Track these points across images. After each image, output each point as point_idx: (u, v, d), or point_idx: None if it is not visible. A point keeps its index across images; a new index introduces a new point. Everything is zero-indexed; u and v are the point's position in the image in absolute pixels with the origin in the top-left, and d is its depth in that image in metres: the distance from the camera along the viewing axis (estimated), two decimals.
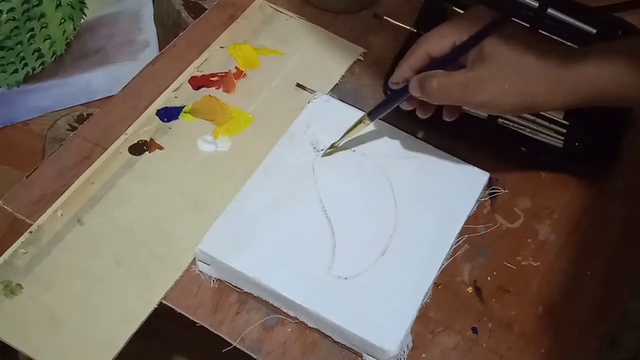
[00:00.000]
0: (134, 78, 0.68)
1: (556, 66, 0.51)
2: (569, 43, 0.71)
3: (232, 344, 0.53)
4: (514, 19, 0.69)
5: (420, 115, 0.58)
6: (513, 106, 0.53)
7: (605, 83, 0.51)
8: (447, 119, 0.57)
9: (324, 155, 0.61)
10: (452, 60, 0.54)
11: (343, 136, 0.61)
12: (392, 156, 0.62)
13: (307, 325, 0.55)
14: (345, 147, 0.62)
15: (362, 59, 0.72)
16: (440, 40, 0.54)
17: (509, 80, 0.51)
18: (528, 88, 0.52)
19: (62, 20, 1.28)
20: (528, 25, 0.70)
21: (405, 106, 0.58)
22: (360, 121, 0.60)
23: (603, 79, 0.51)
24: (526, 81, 0.51)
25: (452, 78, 0.53)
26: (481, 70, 0.52)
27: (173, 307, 0.55)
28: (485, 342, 0.55)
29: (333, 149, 0.62)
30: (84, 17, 1.33)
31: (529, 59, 0.51)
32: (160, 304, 0.55)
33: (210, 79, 0.69)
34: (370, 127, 0.63)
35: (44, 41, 1.28)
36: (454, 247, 0.59)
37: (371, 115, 0.59)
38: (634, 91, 0.51)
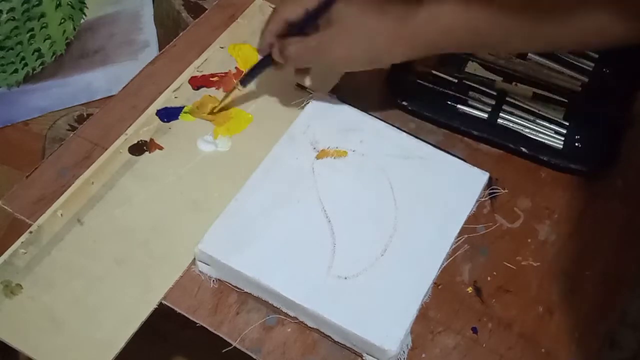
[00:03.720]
0: (134, 78, 0.68)
1: (393, 23, 0.56)
2: None
3: (232, 344, 0.54)
4: None
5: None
6: (360, 62, 0.59)
7: (436, 35, 0.55)
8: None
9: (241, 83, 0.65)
10: (307, 25, 0.58)
11: (222, 101, 0.66)
12: (392, 156, 0.62)
13: (307, 325, 0.55)
14: (344, 147, 0.62)
15: None
16: (295, 8, 0.58)
17: (353, 39, 0.57)
18: (370, 45, 0.57)
19: (62, 20, 1.28)
20: None
21: (276, 68, 0.62)
22: (233, 89, 0.65)
23: (433, 32, 0.55)
24: (367, 39, 0.57)
25: (305, 43, 0.58)
26: (329, 33, 0.57)
27: (173, 307, 0.55)
28: (485, 342, 0.55)
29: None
30: (84, 17, 1.32)
31: (369, 20, 0.56)
32: (160, 304, 0.55)
33: (210, 79, 0.69)
34: (370, 127, 0.64)
35: (44, 41, 1.28)
36: (454, 247, 0.59)
37: (243, 82, 0.64)
38: (463, 41, 0.56)
